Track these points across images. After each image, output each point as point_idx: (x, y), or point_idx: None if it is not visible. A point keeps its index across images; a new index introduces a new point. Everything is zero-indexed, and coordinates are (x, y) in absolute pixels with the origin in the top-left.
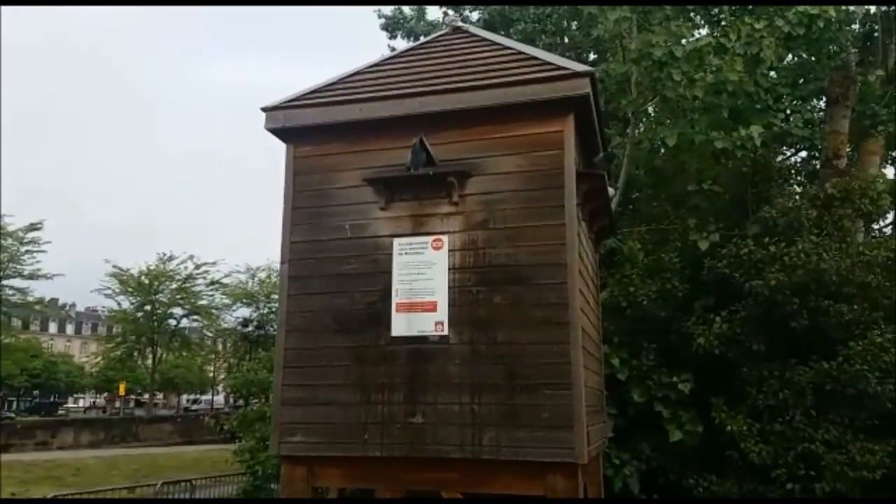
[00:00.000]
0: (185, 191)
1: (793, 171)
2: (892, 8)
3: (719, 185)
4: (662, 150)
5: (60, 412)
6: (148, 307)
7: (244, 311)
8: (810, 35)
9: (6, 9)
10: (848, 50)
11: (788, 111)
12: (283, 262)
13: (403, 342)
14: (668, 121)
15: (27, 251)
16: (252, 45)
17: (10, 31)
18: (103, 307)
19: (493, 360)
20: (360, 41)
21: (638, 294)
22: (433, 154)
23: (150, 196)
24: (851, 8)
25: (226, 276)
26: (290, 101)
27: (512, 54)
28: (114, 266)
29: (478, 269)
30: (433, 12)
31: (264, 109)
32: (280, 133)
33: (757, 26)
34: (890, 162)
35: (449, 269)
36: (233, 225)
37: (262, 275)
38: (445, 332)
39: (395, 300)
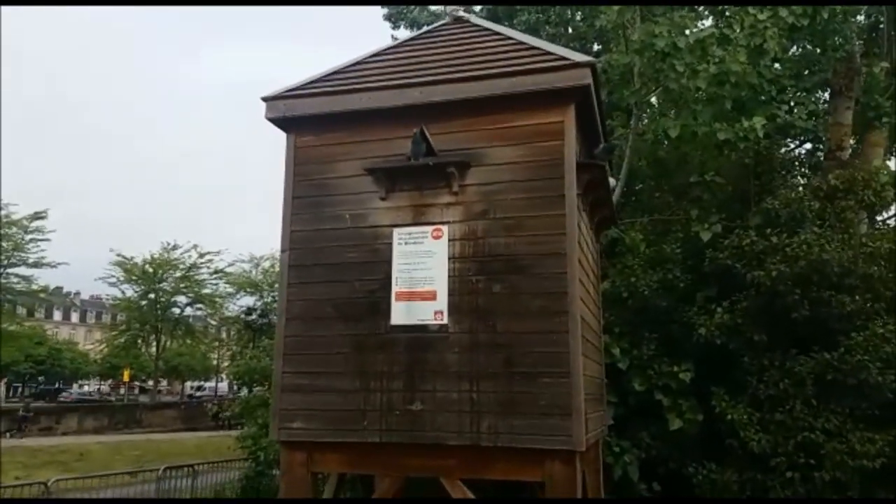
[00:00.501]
0: (187, 185)
1: (796, 163)
2: None
3: (722, 177)
4: (665, 142)
5: (62, 397)
6: (152, 295)
7: (248, 300)
8: (815, 26)
9: (6, 9)
10: (853, 41)
11: (792, 103)
12: (283, 251)
13: (403, 330)
14: (671, 112)
15: (32, 240)
16: (254, 36)
17: (11, 31)
18: (107, 295)
19: (492, 349)
20: (364, 32)
21: (639, 284)
22: (433, 144)
23: (152, 190)
24: None
25: (230, 265)
26: (290, 90)
27: (513, 44)
28: (118, 255)
29: (477, 258)
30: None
31: (265, 99)
32: (281, 122)
33: (760, 17)
34: (894, 154)
35: (449, 258)
36: (234, 218)
37: (266, 264)
38: (445, 321)
39: (394, 289)
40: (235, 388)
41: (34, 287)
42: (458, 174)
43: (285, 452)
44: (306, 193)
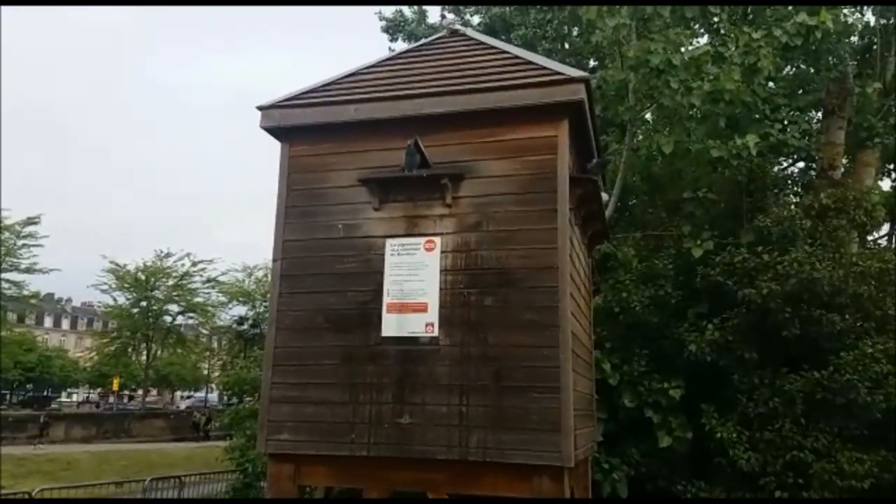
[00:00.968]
0: (182, 192)
1: (788, 181)
2: (892, 21)
3: (714, 194)
4: (659, 158)
5: (53, 406)
6: (144, 303)
7: (240, 310)
8: (808, 46)
9: (6, 9)
10: (846, 62)
11: (785, 121)
12: (275, 260)
13: (393, 342)
14: (665, 128)
15: (24, 245)
16: (251, 45)
17: (8, 32)
18: (99, 302)
19: (483, 362)
20: (362, 44)
21: (631, 300)
22: (427, 156)
23: (146, 197)
24: (850, 20)
25: (222, 273)
26: (285, 100)
27: (508, 58)
28: (111, 262)
29: (469, 271)
30: (434, 16)
31: (260, 108)
32: (275, 132)
33: (755, 36)
34: (885, 174)
35: (441, 270)
36: (228, 226)
37: (260, 273)
38: (436, 334)
39: (386, 300)
40: (226, 398)
41: (25, 293)
42: (452, 186)
43: (272, 465)
44: (299, 203)
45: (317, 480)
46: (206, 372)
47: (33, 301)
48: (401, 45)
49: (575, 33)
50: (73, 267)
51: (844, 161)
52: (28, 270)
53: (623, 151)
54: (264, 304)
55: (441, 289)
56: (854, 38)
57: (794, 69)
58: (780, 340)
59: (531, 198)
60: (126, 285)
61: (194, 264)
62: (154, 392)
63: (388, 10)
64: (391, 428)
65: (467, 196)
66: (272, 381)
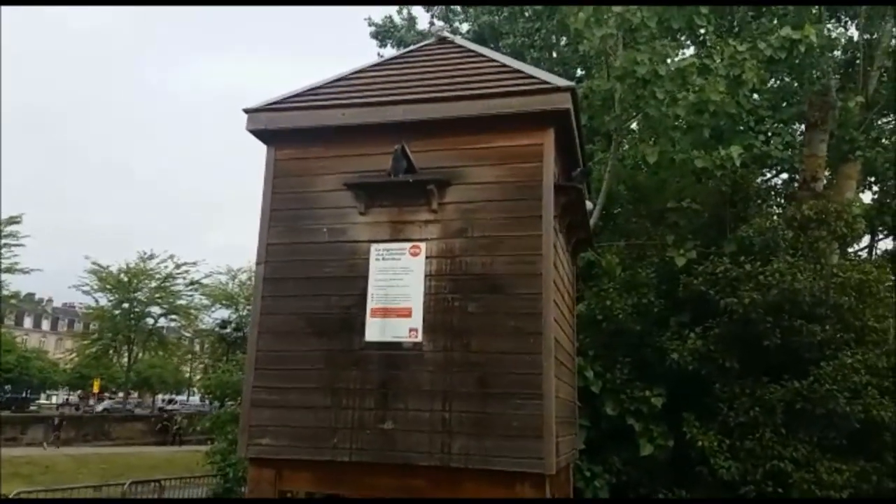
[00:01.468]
0: (166, 194)
1: (771, 192)
2: (874, 36)
3: (698, 203)
4: (644, 167)
5: (32, 408)
6: (126, 305)
7: (223, 313)
8: (792, 59)
9: (5, 9)
10: (829, 75)
11: (769, 133)
12: (258, 264)
13: (377, 347)
14: (651, 138)
15: (5, 244)
16: (239, 49)
17: (4, 34)
18: (81, 303)
19: (466, 368)
20: (351, 50)
21: (614, 308)
22: (414, 161)
23: (130, 199)
24: (834, 34)
25: (206, 276)
26: (272, 103)
27: (496, 66)
28: (93, 263)
29: (454, 276)
30: (423, 22)
31: (247, 111)
32: (261, 135)
33: (740, 48)
34: (867, 186)
35: (425, 276)
36: (218, 229)
37: (244, 276)
38: (419, 339)
39: (370, 305)
40: (207, 402)
41: (5, 292)
42: (438, 192)
43: (253, 469)
44: (284, 206)
45: (298, 485)
46: (188, 375)
47: (13, 301)
48: (390, 51)
49: (563, 43)
50: (55, 267)
51: (826, 173)
52: (9, 270)
53: (608, 161)
54: (247, 307)
55: (426, 294)
56: (837, 53)
57: (778, 82)
58: (762, 350)
59: (516, 205)
60: (108, 287)
61: (178, 266)
62: (135, 395)
63: (378, 16)
64: (373, 433)
65: (453, 202)
66: (254, 384)
